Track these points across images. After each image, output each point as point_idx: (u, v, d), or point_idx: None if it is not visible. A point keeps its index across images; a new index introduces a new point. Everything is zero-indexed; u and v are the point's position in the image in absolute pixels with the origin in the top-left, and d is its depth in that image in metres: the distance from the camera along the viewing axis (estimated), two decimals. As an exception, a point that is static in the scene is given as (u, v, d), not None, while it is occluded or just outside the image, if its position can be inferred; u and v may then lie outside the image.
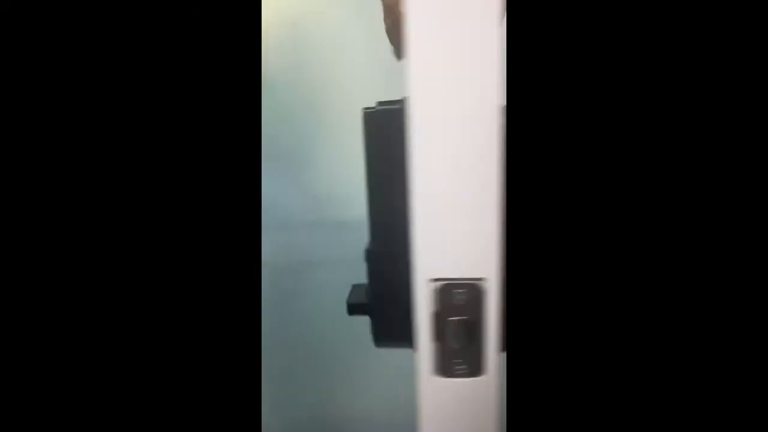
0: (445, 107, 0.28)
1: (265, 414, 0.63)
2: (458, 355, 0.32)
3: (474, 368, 0.32)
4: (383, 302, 0.35)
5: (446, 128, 0.29)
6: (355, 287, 0.37)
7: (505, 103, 0.27)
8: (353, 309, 0.36)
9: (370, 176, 0.33)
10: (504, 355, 0.31)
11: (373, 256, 0.35)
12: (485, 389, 0.32)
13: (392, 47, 0.35)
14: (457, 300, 0.31)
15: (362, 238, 0.35)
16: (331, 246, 0.69)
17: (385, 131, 0.32)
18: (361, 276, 0.36)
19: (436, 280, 0.31)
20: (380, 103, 0.33)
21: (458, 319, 0.31)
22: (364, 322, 0.37)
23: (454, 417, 0.33)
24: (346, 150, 0.61)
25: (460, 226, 0.29)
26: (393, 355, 0.39)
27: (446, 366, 0.32)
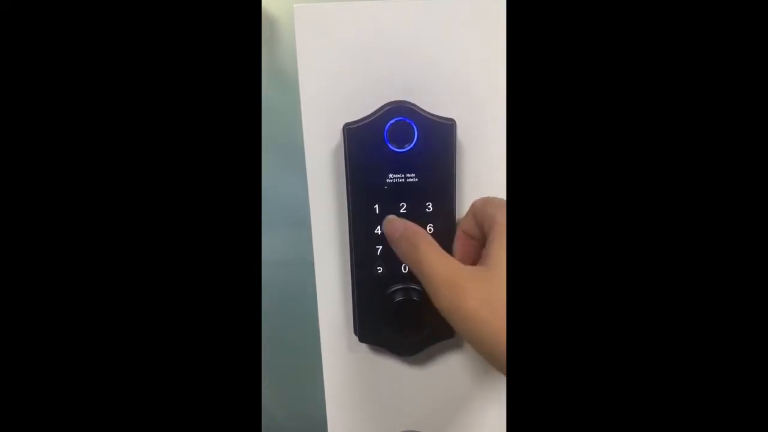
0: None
1: (264, 413, 0.63)
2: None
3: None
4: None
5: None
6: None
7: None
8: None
9: (353, 188, 0.35)
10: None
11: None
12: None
13: None
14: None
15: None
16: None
17: (365, 144, 0.34)
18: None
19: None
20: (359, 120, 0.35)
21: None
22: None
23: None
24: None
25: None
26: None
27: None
